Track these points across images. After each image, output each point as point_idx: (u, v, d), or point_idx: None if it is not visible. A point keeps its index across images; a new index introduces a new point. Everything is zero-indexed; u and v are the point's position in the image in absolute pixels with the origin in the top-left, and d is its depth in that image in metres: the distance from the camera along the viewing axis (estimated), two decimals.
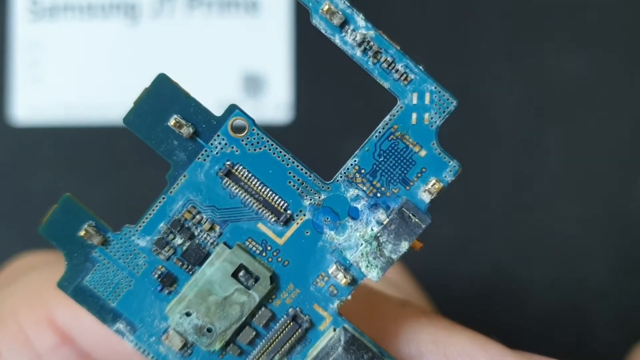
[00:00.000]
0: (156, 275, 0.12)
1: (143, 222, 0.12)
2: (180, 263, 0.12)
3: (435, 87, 0.12)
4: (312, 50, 0.29)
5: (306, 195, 0.12)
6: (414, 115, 0.12)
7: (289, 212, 0.12)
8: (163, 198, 0.12)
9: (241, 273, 0.12)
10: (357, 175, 0.12)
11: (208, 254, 0.12)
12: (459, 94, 0.31)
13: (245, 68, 0.30)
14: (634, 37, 0.30)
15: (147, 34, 0.30)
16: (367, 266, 0.12)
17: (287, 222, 0.12)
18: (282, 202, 0.12)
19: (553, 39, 0.29)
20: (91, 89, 0.30)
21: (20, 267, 0.18)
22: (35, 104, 0.30)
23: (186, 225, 0.12)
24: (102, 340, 0.13)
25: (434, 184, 0.12)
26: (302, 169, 0.12)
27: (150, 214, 0.12)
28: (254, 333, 0.12)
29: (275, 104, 0.30)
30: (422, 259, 0.29)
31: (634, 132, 0.29)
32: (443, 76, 0.30)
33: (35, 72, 0.30)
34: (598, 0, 0.29)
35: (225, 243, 0.12)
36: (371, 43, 0.12)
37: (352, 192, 0.12)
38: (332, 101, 0.29)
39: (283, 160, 0.12)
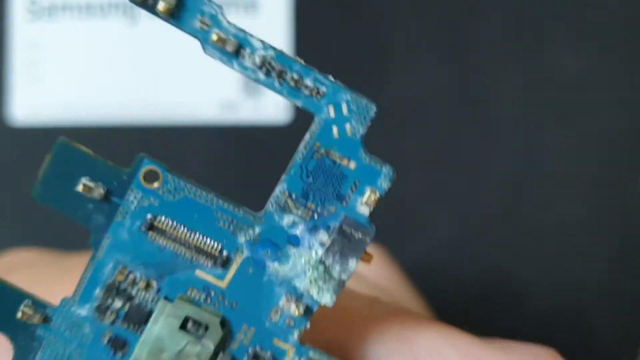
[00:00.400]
0: (105, 341, 0.11)
1: (78, 292, 0.11)
2: (126, 325, 0.11)
3: (350, 96, 0.11)
4: (311, 50, 0.29)
5: (239, 232, 0.11)
6: (335, 129, 0.11)
7: (225, 253, 0.11)
8: (92, 264, 0.11)
9: (189, 324, 0.11)
10: (289, 200, 0.11)
11: (151, 312, 0.11)
12: (459, 94, 0.31)
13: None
14: (636, 37, 0.30)
15: (146, 34, 0.30)
16: (319, 292, 0.11)
17: (226, 264, 0.11)
18: (216, 244, 0.11)
19: (554, 39, 0.29)
20: (90, 89, 0.30)
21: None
22: (33, 103, 0.30)
23: (122, 288, 0.11)
24: None
25: (370, 194, 0.11)
26: (228, 206, 0.11)
27: (83, 282, 0.11)
28: None
29: (274, 104, 0.30)
30: (421, 260, 0.29)
31: (634, 132, 0.29)
32: (442, 76, 0.30)
33: (33, 71, 0.30)
34: (599, 0, 0.29)
35: (165, 297, 0.11)
36: (272, 63, 0.10)
37: (287, 220, 0.11)
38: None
39: (207, 202, 0.11)
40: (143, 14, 0.29)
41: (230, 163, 0.30)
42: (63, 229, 0.26)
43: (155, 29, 0.30)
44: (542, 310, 0.28)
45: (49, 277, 0.15)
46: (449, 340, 0.12)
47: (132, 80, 0.30)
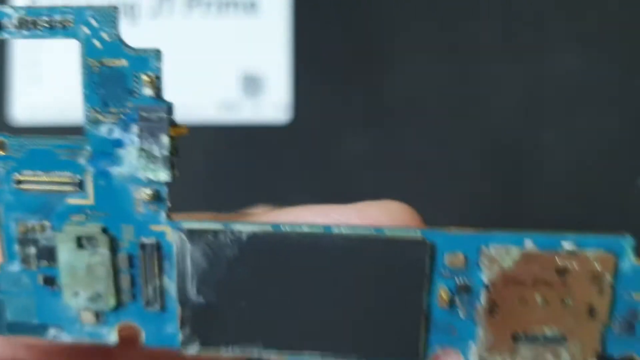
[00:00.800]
0: (41, 282, 0.14)
1: (4, 254, 0.14)
2: (46, 263, 0.14)
3: (93, 11, 0.13)
4: (310, 49, 0.30)
5: (78, 157, 0.13)
6: (96, 42, 0.13)
7: (77, 177, 0.13)
8: (1, 230, 0.14)
9: (83, 242, 0.14)
10: (96, 114, 0.13)
11: (54, 246, 0.14)
12: (457, 93, 0.31)
13: (244, 68, 0.31)
14: (634, 38, 0.30)
15: (146, 34, 0.30)
16: (153, 173, 0.13)
17: (82, 185, 0.13)
18: (67, 174, 0.13)
19: (552, 39, 0.29)
20: None
21: None
22: (34, 104, 0.31)
23: (28, 237, 0.14)
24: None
25: (147, 77, 0.13)
26: (60, 142, 0.13)
27: (3, 246, 0.14)
28: (128, 275, 0.14)
29: (274, 104, 0.30)
30: None
31: (633, 132, 0.29)
32: (440, 75, 0.28)
33: (34, 72, 0.30)
34: (598, 1, 0.29)
35: (57, 230, 0.14)
36: (27, 19, 0.13)
37: (104, 129, 0.13)
38: (330, 100, 0.30)
39: (44, 146, 0.13)
40: (142, 14, 0.31)
41: (231, 161, 0.31)
42: None
43: (155, 30, 0.30)
44: None
45: None
46: (307, 206, 0.14)
47: None
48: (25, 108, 0.31)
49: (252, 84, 0.30)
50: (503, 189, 0.30)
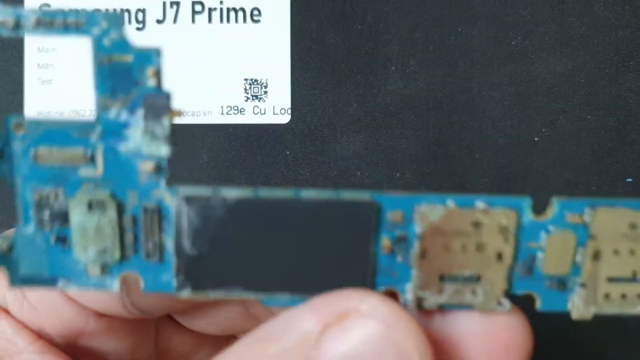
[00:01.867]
0: (54, 242, 0.17)
1: (20, 219, 0.17)
2: (59, 225, 0.17)
3: (104, 15, 0.15)
4: (311, 52, 0.31)
5: (90, 135, 0.16)
6: (106, 40, 0.15)
7: (89, 152, 0.16)
8: (19, 198, 0.16)
9: (93, 206, 0.16)
10: (106, 101, 0.16)
11: (68, 210, 0.16)
12: (451, 94, 0.31)
13: (247, 73, 0.32)
14: (618, 41, 0.30)
15: (155, 39, 0.31)
16: (156, 149, 0.16)
17: (93, 159, 0.16)
18: (81, 149, 0.16)
19: (540, 44, 0.30)
20: None
21: None
22: (44, 106, 0.31)
23: (42, 203, 0.16)
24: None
25: (151, 70, 0.15)
26: (73, 123, 0.16)
27: (19, 212, 0.16)
28: (132, 234, 0.17)
29: (276, 107, 0.31)
30: None
31: (620, 134, 0.30)
32: (433, 77, 0.30)
33: (44, 75, 0.31)
34: (583, 5, 0.30)
35: (70, 196, 0.16)
36: (43, 20, 0.15)
37: (113, 113, 0.16)
38: (328, 102, 0.31)
39: (59, 126, 0.16)
40: (151, 19, 0.31)
41: (234, 157, 0.32)
42: None
43: (164, 35, 0.31)
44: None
45: None
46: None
47: None
48: (35, 111, 0.31)
49: (254, 89, 0.32)
50: (495, 188, 0.31)
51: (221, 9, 0.31)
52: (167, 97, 0.15)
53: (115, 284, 0.17)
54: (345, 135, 0.31)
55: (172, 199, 0.16)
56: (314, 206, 0.17)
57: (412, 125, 0.30)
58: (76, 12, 0.15)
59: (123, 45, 0.15)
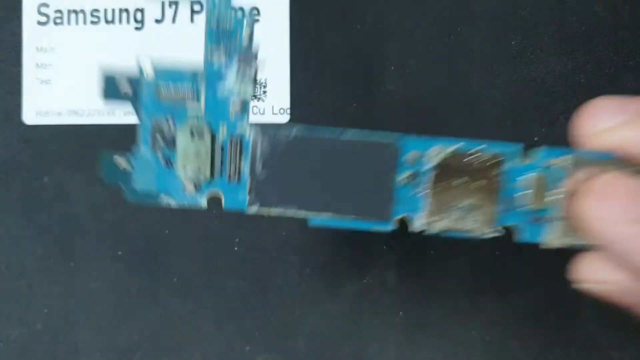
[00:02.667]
0: (163, 163, 0.22)
1: (139, 141, 0.22)
2: (167, 148, 0.22)
3: None
4: (310, 53, 0.31)
5: (198, 79, 0.22)
6: (216, 11, 0.21)
7: (195, 91, 0.22)
8: (140, 124, 0.22)
9: (194, 134, 0.22)
10: (213, 51, 0.22)
11: (175, 136, 0.22)
12: (448, 95, 0.30)
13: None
14: (619, 41, 0.30)
15: (151, 39, 0.31)
16: (246, 90, 0.22)
17: (198, 97, 0.22)
18: (189, 89, 0.22)
19: (540, 43, 0.30)
20: (98, 92, 0.31)
21: None
22: (43, 106, 0.31)
23: (158, 129, 0.22)
24: None
25: (246, 29, 0.21)
26: (187, 69, 0.22)
27: (139, 136, 0.22)
28: (220, 158, 0.22)
29: (275, 106, 0.31)
30: None
31: None
32: (433, 76, 0.30)
33: (43, 74, 0.31)
34: (583, 6, 0.30)
35: (178, 125, 0.22)
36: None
37: (216, 61, 0.22)
38: (328, 102, 0.31)
39: (176, 69, 0.22)
40: (150, 18, 0.30)
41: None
42: (67, 227, 0.30)
43: (163, 34, 0.31)
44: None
45: None
46: None
47: None
48: (34, 110, 0.31)
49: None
50: None
51: None
52: (256, 49, 0.21)
53: (204, 201, 0.22)
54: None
55: (250, 132, 0.22)
56: (350, 145, 0.22)
57: (412, 125, 0.31)
58: None
59: (227, 13, 0.21)
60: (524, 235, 0.23)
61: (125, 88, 0.22)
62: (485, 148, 0.22)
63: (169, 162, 0.22)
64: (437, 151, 0.22)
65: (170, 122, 0.22)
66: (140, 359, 0.31)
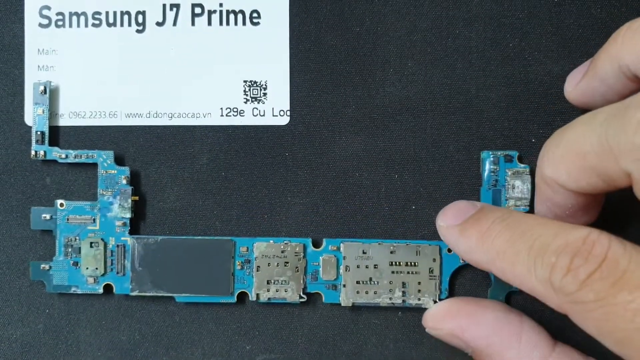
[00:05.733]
0: (72, 264, 0.32)
1: (56, 252, 0.32)
2: (75, 255, 0.32)
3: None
4: (310, 54, 0.31)
5: (94, 209, 0.32)
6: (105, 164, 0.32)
7: (93, 217, 0.32)
8: (57, 241, 0.32)
9: (92, 245, 0.32)
10: (104, 191, 0.32)
11: (80, 246, 0.32)
12: (449, 96, 0.30)
13: (246, 75, 0.31)
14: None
15: (154, 41, 0.31)
16: (124, 214, 0.32)
17: (95, 220, 0.32)
18: (89, 216, 0.32)
19: (537, 44, 0.30)
20: (99, 94, 0.31)
21: None
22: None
23: (67, 244, 0.32)
24: None
25: (124, 177, 0.32)
26: (81, 204, 0.32)
27: (57, 248, 0.32)
28: (110, 260, 0.32)
29: (275, 108, 0.31)
30: None
31: None
32: (431, 78, 0.30)
33: (45, 77, 0.31)
34: (580, 7, 0.30)
35: (82, 239, 0.32)
36: None
37: (105, 198, 0.32)
38: (327, 104, 0.31)
39: (80, 205, 0.32)
40: (151, 21, 0.30)
41: (233, 159, 0.32)
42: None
43: (163, 37, 0.31)
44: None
45: None
46: None
47: (141, 84, 0.31)
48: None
49: (254, 90, 0.31)
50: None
51: (220, 12, 0.31)
52: (130, 189, 0.31)
53: (100, 290, 0.32)
54: (344, 136, 0.31)
55: (130, 241, 0.31)
56: (199, 243, 0.32)
57: (410, 126, 0.31)
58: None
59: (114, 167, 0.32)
60: (326, 298, 0.32)
61: (47, 218, 0.32)
62: (289, 240, 0.31)
63: (76, 264, 0.32)
64: (259, 245, 0.32)
65: (77, 237, 0.32)
66: (141, 358, 0.31)
